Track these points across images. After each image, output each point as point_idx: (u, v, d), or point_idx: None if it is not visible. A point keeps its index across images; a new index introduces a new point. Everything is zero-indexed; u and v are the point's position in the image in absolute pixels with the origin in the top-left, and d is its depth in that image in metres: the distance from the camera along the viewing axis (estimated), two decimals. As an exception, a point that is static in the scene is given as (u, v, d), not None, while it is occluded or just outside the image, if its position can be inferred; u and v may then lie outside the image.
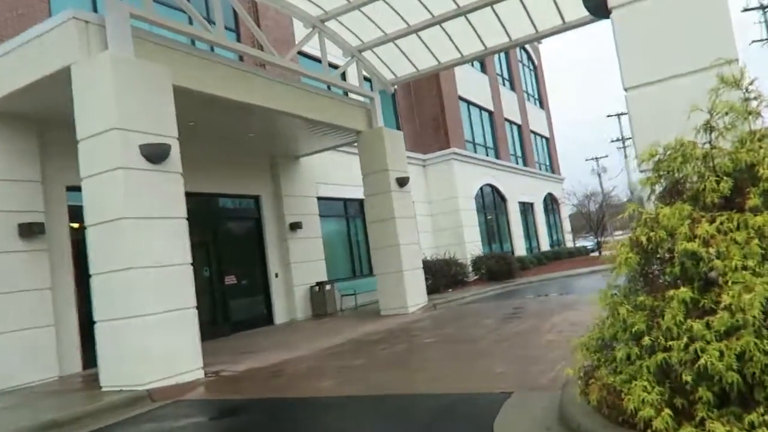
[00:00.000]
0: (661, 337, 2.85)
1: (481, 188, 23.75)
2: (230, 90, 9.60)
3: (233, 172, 13.58)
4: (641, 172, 4.93)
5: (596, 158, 60.39)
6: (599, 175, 58.26)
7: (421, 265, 13.79)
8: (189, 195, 12.90)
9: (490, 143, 26.29)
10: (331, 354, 8.27)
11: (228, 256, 13.27)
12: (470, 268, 20.39)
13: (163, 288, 7.22)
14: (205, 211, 13.18)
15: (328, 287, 14.77)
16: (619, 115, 56.88)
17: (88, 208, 7.32)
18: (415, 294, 13.12)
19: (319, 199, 16.08)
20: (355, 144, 14.36)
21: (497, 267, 20.05)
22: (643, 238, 3.11)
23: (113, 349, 7.04)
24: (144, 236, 7.12)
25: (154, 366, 6.93)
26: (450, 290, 17.79)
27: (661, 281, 3.12)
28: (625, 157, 55.95)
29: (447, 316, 11.48)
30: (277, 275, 14.31)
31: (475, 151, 24.04)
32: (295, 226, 14.67)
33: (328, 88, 13.23)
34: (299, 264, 14.72)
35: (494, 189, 25.25)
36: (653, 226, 3.15)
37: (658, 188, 3.49)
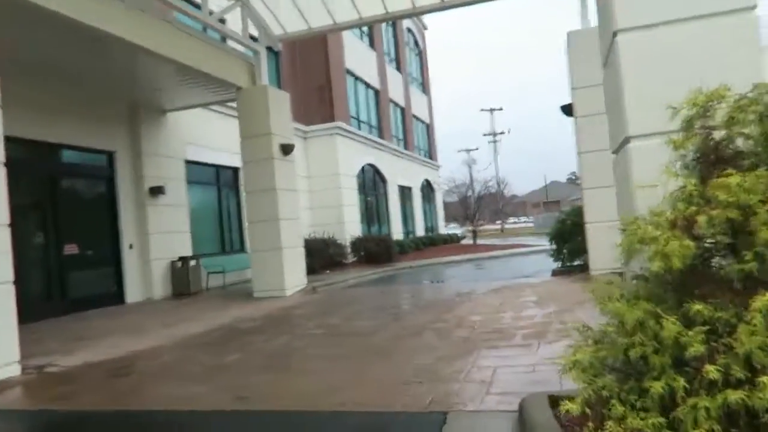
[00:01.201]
0: (735, 368, 1.90)
1: (363, 167, 22.82)
2: (81, 10, 7.56)
3: (83, 120, 11.27)
4: (615, 151, 4.08)
5: (468, 150, 62.70)
6: (469, 166, 60.49)
7: (303, 244, 12.48)
8: (21, 142, 10.51)
9: (374, 122, 25.44)
10: (196, 345, 6.77)
11: (70, 222, 10.99)
12: (349, 250, 19.41)
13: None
14: (43, 165, 10.77)
15: (192, 263, 12.95)
16: (491, 110, 59.20)
17: None
18: (293, 275, 11.80)
19: (188, 162, 14.09)
20: (233, 104, 12.64)
21: (377, 250, 19.28)
22: (702, 219, 2.14)
23: None
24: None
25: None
26: (327, 272, 16.67)
27: (718, 282, 2.16)
28: (495, 151, 58.47)
29: (330, 301, 10.32)
30: (131, 246, 12.23)
31: (359, 129, 23.02)
32: (156, 191, 12.64)
33: (205, 31, 11.39)
34: (159, 235, 12.73)
35: (375, 169, 24.45)
36: (708, 203, 2.20)
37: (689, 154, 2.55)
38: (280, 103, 12.04)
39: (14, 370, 5.70)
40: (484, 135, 58.33)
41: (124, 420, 4.17)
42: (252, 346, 6.40)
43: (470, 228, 29.01)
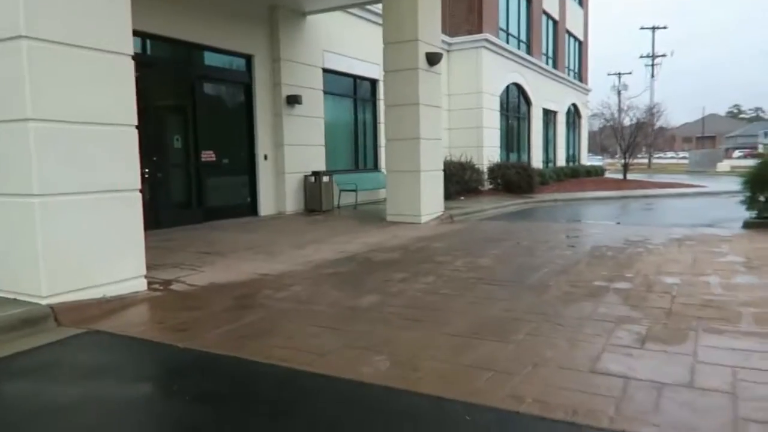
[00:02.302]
0: None
1: (507, 87, 20.81)
2: None
3: (223, 20, 10.65)
4: None
5: (619, 74, 56.66)
6: (619, 93, 54.79)
7: (442, 167, 11.33)
8: (162, 40, 10.13)
9: (523, 36, 22.93)
10: (327, 276, 6.00)
11: (207, 127, 10.67)
12: (486, 176, 17.99)
13: (84, 155, 4.74)
14: (183, 65, 10.38)
15: (325, 179, 12.35)
16: (653, 28, 52.37)
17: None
18: (431, 201, 10.77)
19: (325, 71, 13.23)
20: (374, 7, 11.40)
21: (516, 178, 17.67)
22: None
23: (5, 238, 4.69)
24: (52, 69, 4.53)
25: (64, 268, 4.62)
26: (462, 198, 15.50)
27: None
28: (652, 76, 52.19)
29: (472, 234, 9.19)
30: (266, 157, 11.80)
31: (507, 43, 20.79)
32: (292, 100, 11.97)
33: None
34: (294, 147, 12.18)
35: (521, 90, 22.29)
36: None
37: None
38: (430, 6, 10.57)
39: (139, 285, 5.26)
40: (641, 57, 52.13)
41: (243, 371, 3.42)
42: (391, 285, 5.48)
43: (620, 161, 25.97)
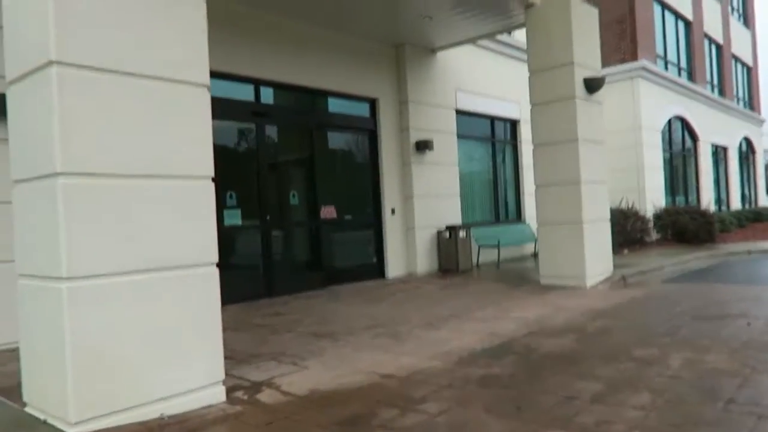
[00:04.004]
0: None
1: (669, 120, 17.90)
2: None
3: (343, 62, 9.56)
4: None
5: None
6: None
7: (609, 216, 9.09)
8: (276, 86, 9.01)
9: (684, 63, 19.92)
10: (474, 383, 4.13)
11: (327, 180, 9.47)
12: (651, 224, 15.13)
13: (134, 220, 3.44)
14: (300, 113, 9.34)
15: (462, 234, 10.59)
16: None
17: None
18: (597, 259, 8.55)
19: (458, 112, 11.67)
20: (507, 39, 9.72)
21: (693, 226, 14.62)
22: None
23: (34, 333, 3.45)
24: (90, 105, 3.30)
25: (103, 379, 3.26)
26: (626, 251, 12.89)
27: None
28: (838, 101, 44.59)
29: (665, 305, 6.84)
30: (393, 211, 10.34)
31: (666, 70, 18.01)
32: (422, 146, 10.49)
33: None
34: (425, 199, 10.62)
35: (684, 123, 19.17)
36: None
37: None
38: (586, 22, 8.68)
39: (214, 396, 3.79)
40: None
41: None
42: (580, 408, 3.48)
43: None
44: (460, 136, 11.67)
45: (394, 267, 10.22)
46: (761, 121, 28.40)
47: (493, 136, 13.04)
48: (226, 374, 4.43)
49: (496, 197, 13.03)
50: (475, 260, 11.28)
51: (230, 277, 8.18)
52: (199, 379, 3.72)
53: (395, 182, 10.40)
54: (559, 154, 8.39)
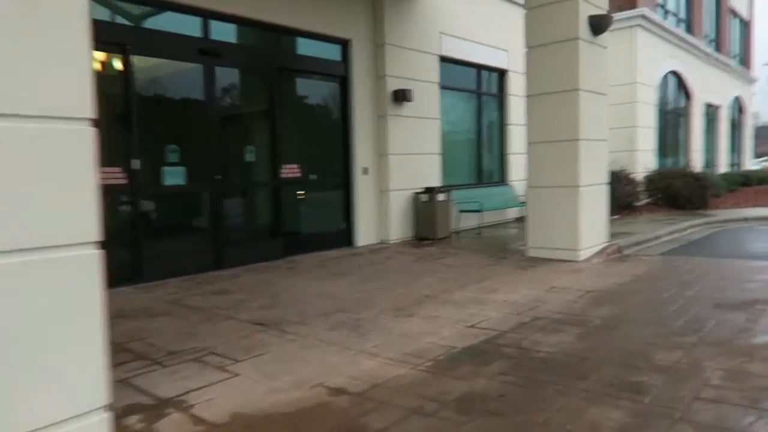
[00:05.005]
0: None
1: (665, 75, 16.79)
2: None
3: (309, -4, 8.22)
4: None
5: (780, 63, 48.54)
6: (780, 85, 46.75)
7: (608, 180, 8.06)
8: (229, 19, 7.36)
9: (683, 13, 18.67)
10: (454, 404, 3.12)
11: (290, 133, 8.26)
12: (642, 187, 14.20)
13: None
14: (257, 54, 8.02)
15: (441, 197, 9.51)
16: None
17: None
18: (593, 228, 7.56)
19: (442, 59, 10.41)
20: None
21: (686, 191, 13.72)
22: None
23: None
24: None
25: None
26: (616, 217, 11.95)
27: None
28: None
29: (675, 283, 5.88)
30: (365, 171, 9.19)
31: (665, 20, 16.77)
32: (400, 97, 9.27)
33: None
34: (402, 157, 9.48)
35: (680, 79, 18.09)
36: None
37: None
38: (589, -48, 7.42)
39: (96, 428, 2.71)
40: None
41: None
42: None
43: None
44: (442, 88, 10.45)
45: (365, 234, 9.14)
46: (753, 80, 27.45)
47: (479, 88, 11.82)
48: (130, 383, 3.39)
49: (479, 156, 11.91)
50: (454, 226, 10.25)
51: (171, 246, 7.07)
52: (73, 404, 2.63)
53: (368, 138, 9.21)
54: (556, 105, 7.26)
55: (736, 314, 4.53)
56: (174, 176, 6.81)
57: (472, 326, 4.47)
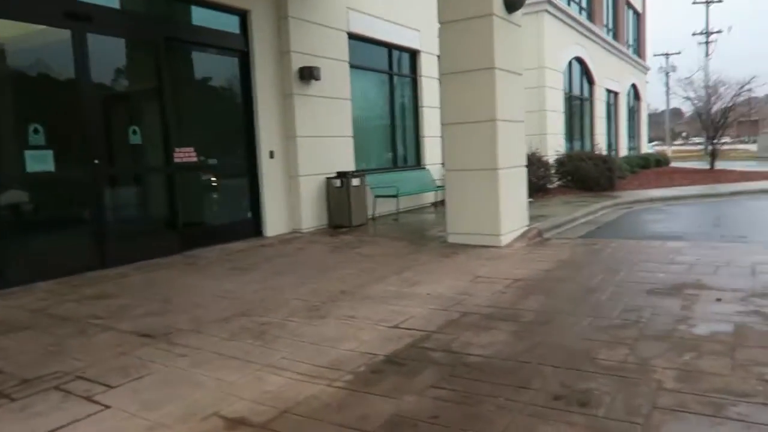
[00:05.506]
0: None
1: (570, 61, 17.11)
2: None
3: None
4: None
5: (666, 54, 52.05)
6: (667, 74, 50.03)
7: (525, 162, 7.81)
8: None
9: (584, 2, 19.14)
10: (387, 426, 2.57)
11: (184, 112, 7.35)
12: (553, 170, 14.36)
13: None
14: (144, 22, 7.02)
15: (355, 182, 8.94)
16: (707, 2, 47.43)
17: None
18: (513, 212, 7.28)
19: (351, 36, 9.79)
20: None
21: (595, 173, 14.00)
22: None
23: None
24: None
25: None
26: (531, 200, 11.90)
27: None
28: (707, 54, 47.28)
29: (600, 269, 5.65)
30: (272, 155, 8.43)
31: (569, 6, 17.04)
32: (307, 75, 8.56)
33: None
34: (311, 140, 8.79)
35: (584, 65, 18.54)
36: None
37: None
38: None
39: None
40: (694, 35, 47.36)
41: None
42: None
43: (713, 145, 21.75)
44: (353, 67, 9.83)
45: (274, 223, 8.40)
46: (647, 69, 28.94)
47: (391, 68, 11.31)
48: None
49: (393, 139, 11.44)
50: (371, 213, 9.73)
51: (41, 243, 5.98)
52: None
53: (274, 118, 8.44)
54: (471, 84, 6.86)
55: (669, 301, 4.29)
56: (39, 161, 5.76)
57: (394, 327, 3.94)
